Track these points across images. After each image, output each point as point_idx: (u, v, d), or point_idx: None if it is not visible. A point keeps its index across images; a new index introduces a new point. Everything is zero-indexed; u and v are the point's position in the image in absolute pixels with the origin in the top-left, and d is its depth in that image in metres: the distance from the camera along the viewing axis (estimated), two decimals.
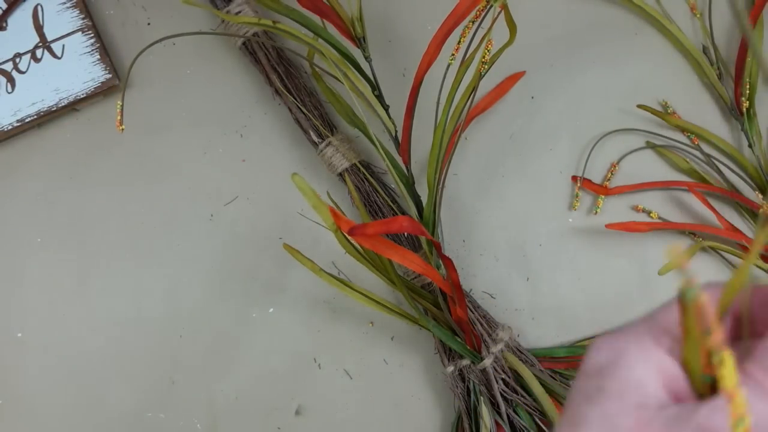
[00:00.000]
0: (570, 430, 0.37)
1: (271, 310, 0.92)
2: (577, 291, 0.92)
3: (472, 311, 0.85)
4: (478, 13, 0.69)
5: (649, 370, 0.37)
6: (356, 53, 0.83)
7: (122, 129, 0.67)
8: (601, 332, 0.91)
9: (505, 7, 0.66)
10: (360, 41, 0.83)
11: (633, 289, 0.92)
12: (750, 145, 0.92)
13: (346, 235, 0.63)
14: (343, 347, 0.92)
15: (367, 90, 0.83)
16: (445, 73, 0.74)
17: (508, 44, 0.71)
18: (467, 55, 0.72)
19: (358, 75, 0.83)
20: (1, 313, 0.93)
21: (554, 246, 0.93)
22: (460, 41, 0.71)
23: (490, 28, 0.68)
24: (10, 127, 0.94)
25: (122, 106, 0.67)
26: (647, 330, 0.38)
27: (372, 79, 0.83)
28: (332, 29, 0.82)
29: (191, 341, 0.93)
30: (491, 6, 0.68)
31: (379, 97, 0.83)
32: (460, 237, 0.94)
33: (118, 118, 0.67)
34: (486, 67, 0.70)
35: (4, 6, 0.96)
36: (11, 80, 0.95)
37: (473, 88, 0.73)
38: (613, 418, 0.36)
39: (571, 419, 0.37)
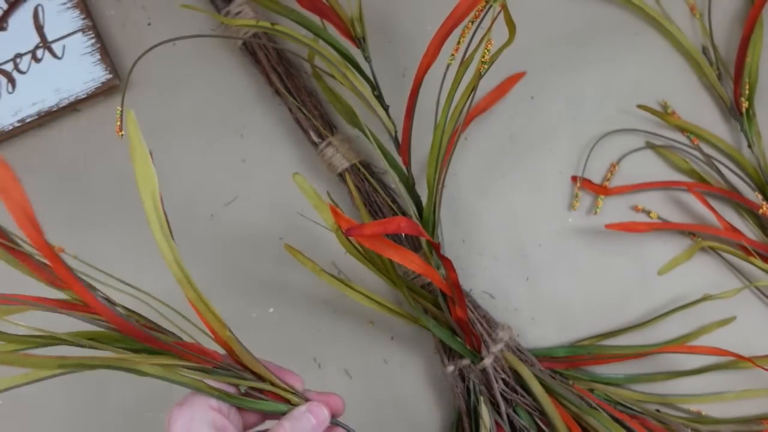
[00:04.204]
0: None
1: (271, 310, 0.92)
2: (576, 291, 0.92)
3: (471, 311, 0.85)
4: (477, 13, 0.69)
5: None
6: (356, 53, 0.83)
7: (122, 134, 0.67)
8: (601, 332, 0.91)
9: (504, 6, 0.66)
10: (360, 41, 0.83)
11: (633, 289, 0.92)
12: (749, 146, 0.92)
13: (346, 235, 0.64)
14: (343, 347, 0.92)
15: (367, 90, 0.83)
16: (445, 73, 0.74)
17: (508, 44, 0.71)
18: (467, 55, 0.72)
19: (358, 75, 0.83)
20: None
21: (554, 246, 0.94)
22: (459, 41, 0.71)
23: (489, 28, 0.68)
24: (10, 128, 0.94)
25: (122, 111, 0.67)
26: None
27: (372, 79, 0.83)
28: (332, 29, 0.83)
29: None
30: (491, 6, 0.68)
31: (379, 98, 0.83)
32: (460, 237, 0.94)
33: (118, 123, 0.67)
34: (486, 66, 0.69)
35: (5, 6, 0.96)
36: (12, 80, 0.95)
37: (473, 88, 0.73)
38: None
39: None
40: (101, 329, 0.54)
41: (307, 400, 0.60)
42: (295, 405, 0.59)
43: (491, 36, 0.68)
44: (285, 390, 0.59)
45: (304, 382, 0.62)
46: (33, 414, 0.92)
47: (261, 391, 0.58)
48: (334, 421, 0.62)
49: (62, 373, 0.51)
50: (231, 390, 0.57)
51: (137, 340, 0.54)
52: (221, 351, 0.58)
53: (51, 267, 0.47)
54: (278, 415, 0.60)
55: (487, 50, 0.68)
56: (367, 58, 0.83)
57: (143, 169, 0.55)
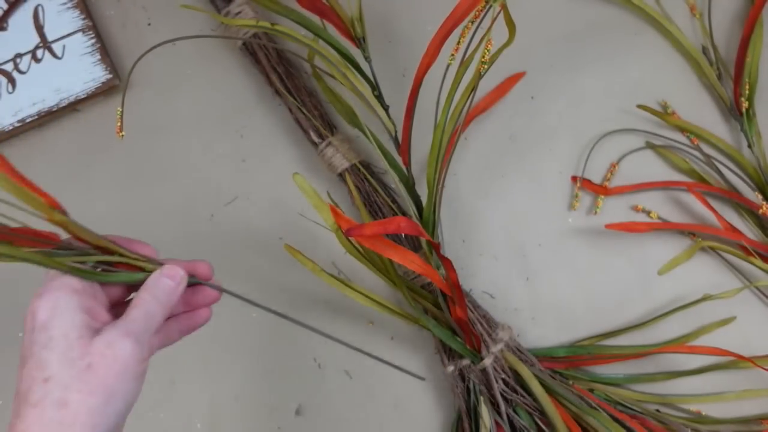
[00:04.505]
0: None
1: None
2: (576, 291, 0.92)
3: (471, 311, 0.85)
4: (477, 13, 0.69)
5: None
6: (356, 53, 0.83)
7: (122, 135, 0.67)
8: (601, 332, 0.91)
9: (504, 7, 0.66)
10: (360, 42, 0.83)
11: (632, 288, 0.92)
12: (749, 146, 0.92)
13: (346, 235, 0.64)
14: (343, 347, 0.92)
15: (367, 90, 0.83)
16: (445, 74, 0.74)
17: (508, 44, 0.71)
18: (467, 56, 0.72)
19: (358, 75, 0.83)
20: (2, 313, 0.93)
21: (554, 246, 0.93)
22: (459, 41, 0.71)
23: (489, 28, 0.68)
24: (10, 127, 0.94)
25: (122, 112, 0.67)
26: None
27: (372, 79, 0.83)
28: (332, 30, 0.83)
29: (191, 341, 0.92)
30: (490, 6, 0.68)
31: (379, 98, 0.83)
32: (460, 237, 0.94)
33: (118, 124, 0.67)
34: (486, 66, 0.69)
35: (5, 6, 0.96)
36: (12, 80, 0.95)
37: (473, 88, 0.73)
38: None
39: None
40: None
41: (161, 264, 0.58)
42: (149, 272, 0.57)
43: (491, 36, 0.68)
44: (136, 259, 0.57)
45: (157, 251, 0.60)
46: None
47: (113, 264, 0.57)
48: (198, 282, 0.61)
49: None
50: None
51: None
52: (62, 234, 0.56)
53: None
54: (135, 285, 0.58)
55: (487, 50, 0.68)
56: (367, 58, 0.83)
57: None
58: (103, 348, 0.50)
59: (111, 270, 0.56)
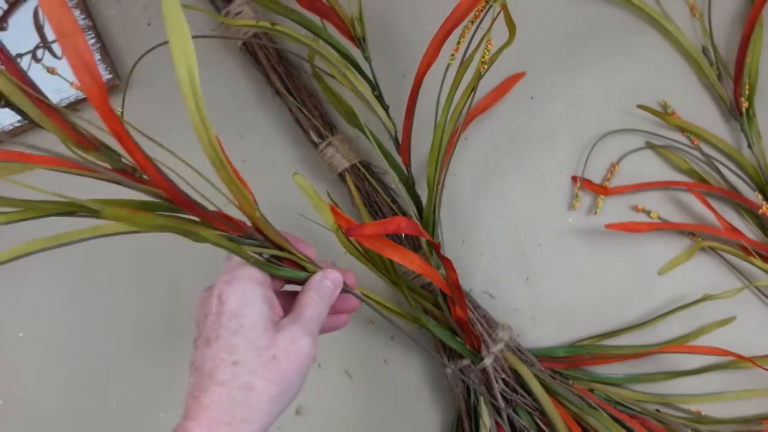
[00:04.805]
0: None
1: None
2: (576, 291, 0.92)
3: (471, 311, 0.85)
4: (477, 13, 0.69)
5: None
6: (356, 53, 0.83)
7: None
8: (601, 332, 0.91)
9: (504, 7, 0.66)
10: (360, 42, 0.83)
11: (632, 288, 0.92)
12: (749, 146, 0.92)
13: (346, 235, 0.64)
14: (343, 347, 0.92)
15: (367, 90, 0.83)
16: (445, 74, 0.74)
17: (508, 44, 0.71)
18: (467, 56, 0.72)
19: (358, 75, 0.83)
20: (3, 313, 0.93)
21: (554, 246, 0.94)
22: (459, 41, 0.71)
23: (489, 28, 0.68)
24: (11, 127, 0.94)
25: (122, 112, 0.67)
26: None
27: (372, 79, 0.83)
28: (332, 30, 0.83)
29: (192, 341, 0.93)
30: (491, 6, 0.68)
31: (379, 98, 0.83)
32: (460, 237, 0.94)
33: None
34: (486, 66, 0.70)
35: (5, 6, 0.96)
36: None
37: (473, 88, 0.73)
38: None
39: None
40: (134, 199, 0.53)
41: (320, 267, 0.62)
42: (311, 272, 0.62)
43: (491, 36, 0.68)
44: (301, 259, 0.61)
45: (316, 251, 0.65)
46: (33, 414, 0.92)
47: (281, 259, 0.61)
48: (345, 290, 0.65)
49: (157, 230, 0.50)
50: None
51: (182, 208, 0.53)
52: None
53: (111, 130, 0.45)
54: (295, 282, 0.62)
55: (487, 50, 0.69)
56: (367, 58, 0.83)
57: (179, 40, 0.48)
58: (287, 343, 0.55)
59: (279, 264, 0.60)
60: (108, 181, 0.47)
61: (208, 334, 0.54)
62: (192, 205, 0.52)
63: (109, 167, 0.46)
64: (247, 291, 0.55)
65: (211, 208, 0.55)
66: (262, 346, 0.54)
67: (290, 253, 0.60)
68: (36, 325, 0.94)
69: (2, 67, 0.43)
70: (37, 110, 0.44)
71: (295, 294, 0.63)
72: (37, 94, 0.43)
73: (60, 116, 0.45)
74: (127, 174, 0.47)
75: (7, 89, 0.42)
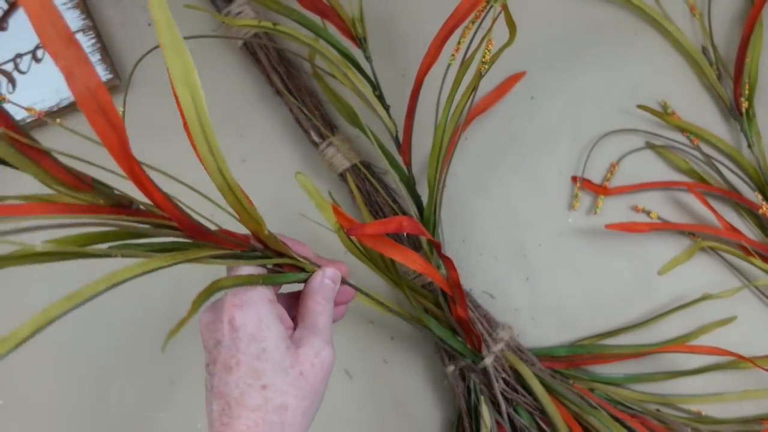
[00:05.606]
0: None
1: None
2: (576, 291, 0.92)
3: (472, 311, 0.85)
4: (478, 13, 0.69)
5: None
6: (357, 53, 0.83)
7: None
8: (601, 332, 0.91)
9: (505, 7, 0.66)
10: (361, 41, 0.83)
11: (632, 288, 0.92)
12: (749, 146, 0.92)
13: (347, 235, 0.64)
14: (343, 347, 0.92)
15: (367, 90, 0.83)
16: (445, 74, 0.74)
17: (508, 44, 0.71)
18: (467, 56, 0.72)
19: (359, 75, 0.83)
20: (3, 312, 0.93)
21: (554, 246, 0.94)
22: (459, 41, 0.71)
23: (490, 28, 0.68)
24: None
25: (124, 112, 0.67)
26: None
27: (373, 79, 0.83)
28: (333, 29, 0.83)
29: (192, 341, 0.93)
30: (491, 6, 0.68)
31: (380, 98, 0.83)
32: (460, 237, 0.94)
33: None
34: (486, 66, 0.70)
35: (5, 6, 0.96)
36: (12, 80, 0.95)
37: (473, 88, 0.73)
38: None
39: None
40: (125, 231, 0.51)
41: (316, 264, 0.63)
42: (309, 272, 0.62)
43: (491, 36, 0.68)
44: (298, 261, 0.61)
45: (309, 247, 0.65)
46: (33, 414, 0.92)
47: (282, 266, 0.61)
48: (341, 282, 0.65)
49: (170, 265, 0.50)
50: (261, 270, 0.59)
51: (193, 235, 0.53)
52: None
53: (131, 175, 0.43)
54: (293, 282, 0.62)
55: (488, 50, 0.69)
56: (368, 58, 0.83)
57: (177, 58, 0.44)
58: (312, 357, 0.55)
59: (281, 271, 0.60)
60: (108, 219, 0.45)
61: (226, 361, 0.54)
62: (202, 231, 0.52)
63: (103, 203, 0.45)
64: (261, 314, 0.55)
65: (210, 226, 0.55)
66: (287, 365, 0.54)
67: (290, 257, 0.60)
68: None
69: None
70: (24, 157, 0.40)
71: (292, 295, 0.63)
72: (25, 139, 0.40)
73: (49, 159, 0.42)
74: (124, 209, 0.46)
75: None
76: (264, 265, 0.59)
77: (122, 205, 0.46)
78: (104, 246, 0.47)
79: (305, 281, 0.61)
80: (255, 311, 0.54)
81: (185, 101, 0.41)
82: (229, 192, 0.52)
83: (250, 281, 0.55)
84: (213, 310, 0.57)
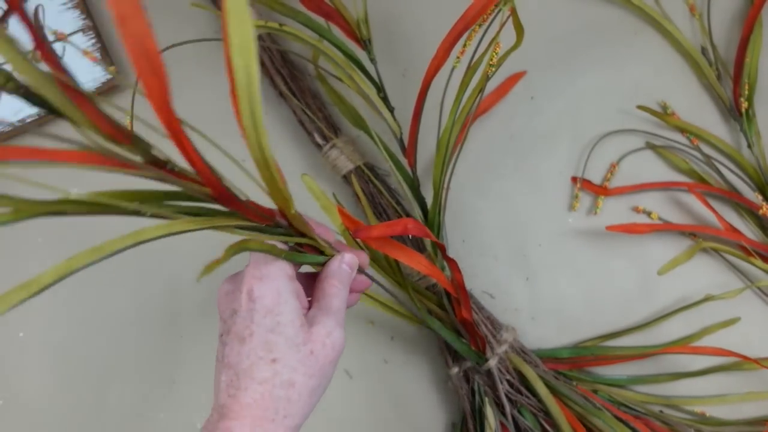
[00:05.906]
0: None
1: None
2: (576, 291, 0.93)
3: (476, 312, 0.85)
4: (485, 17, 0.69)
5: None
6: (361, 55, 0.83)
7: None
8: (602, 333, 0.91)
9: (513, 10, 0.66)
10: (365, 43, 0.83)
11: (633, 289, 0.92)
12: (749, 146, 0.93)
13: (353, 237, 0.64)
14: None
15: (372, 92, 0.83)
16: (450, 76, 0.74)
17: (516, 47, 0.71)
18: (474, 59, 0.72)
19: (363, 77, 0.83)
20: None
21: (554, 246, 0.94)
22: (466, 44, 0.71)
23: (498, 32, 0.68)
24: (11, 128, 0.93)
25: (132, 113, 0.67)
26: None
27: (377, 81, 0.83)
28: (337, 31, 0.82)
29: (192, 341, 0.93)
30: (500, 10, 0.68)
31: (385, 99, 0.83)
32: (460, 237, 0.94)
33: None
34: (493, 69, 0.70)
35: (5, 6, 0.96)
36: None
37: (480, 91, 0.73)
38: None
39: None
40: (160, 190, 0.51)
41: (336, 250, 0.63)
42: (328, 255, 0.62)
43: (498, 39, 0.68)
44: (320, 243, 0.61)
45: (333, 231, 0.65)
46: (33, 414, 0.91)
47: (302, 246, 0.60)
48: (359, 271, 0.65)
49: (196, 230, 0.50)
50: (283, 246, 0.59)
51: (223, 202, 0.53)
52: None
53: (167, 126, 0.42)
54: (311, 264, 0.62)
55: (495, 53, 0.69)
56: (372, 60, 0.83)
57: (239, 27, 0.41)
58: (323, 337, 0.56)
59: (301, 251, 0.60)
60: (143, 176, 0.45)
61: (240, 331, 0.54)
62: (232, 199, 0.52)
63: (141, 160, 0.45)
64: (280, 288, 0.55)
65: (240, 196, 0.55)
66: (299, 342, 0.54)
67: (311, 238, 0.60)
68: (36, 325, 0.93)
69: (35, 51, 0.40)
70: (67, 100, 0.40)
71: (309, 276, 0.63)
72: (70, 82, 0.40)
73: (92, 106, 0.42)
74: (160, 167, 0.46)
75: (37, 80, 0.38)
76: (285, 243, 0.59)
77: (158, 164, 0.46)
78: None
79: (323, 264, 0.61)
80: (274, 285, 0.55)
81: (239, 69, 0.40)
82: (265, 166, 0.52)
83: (274, 251, 0.55)
84: (233, 281, 0.57)
